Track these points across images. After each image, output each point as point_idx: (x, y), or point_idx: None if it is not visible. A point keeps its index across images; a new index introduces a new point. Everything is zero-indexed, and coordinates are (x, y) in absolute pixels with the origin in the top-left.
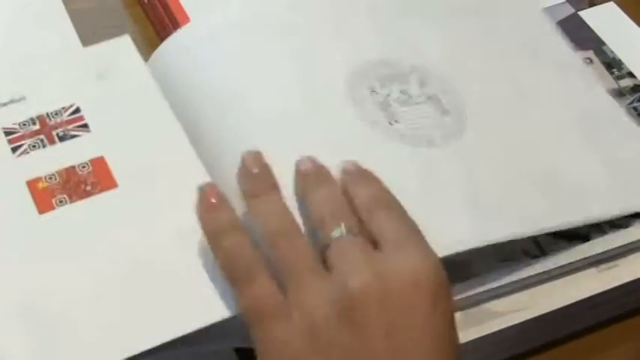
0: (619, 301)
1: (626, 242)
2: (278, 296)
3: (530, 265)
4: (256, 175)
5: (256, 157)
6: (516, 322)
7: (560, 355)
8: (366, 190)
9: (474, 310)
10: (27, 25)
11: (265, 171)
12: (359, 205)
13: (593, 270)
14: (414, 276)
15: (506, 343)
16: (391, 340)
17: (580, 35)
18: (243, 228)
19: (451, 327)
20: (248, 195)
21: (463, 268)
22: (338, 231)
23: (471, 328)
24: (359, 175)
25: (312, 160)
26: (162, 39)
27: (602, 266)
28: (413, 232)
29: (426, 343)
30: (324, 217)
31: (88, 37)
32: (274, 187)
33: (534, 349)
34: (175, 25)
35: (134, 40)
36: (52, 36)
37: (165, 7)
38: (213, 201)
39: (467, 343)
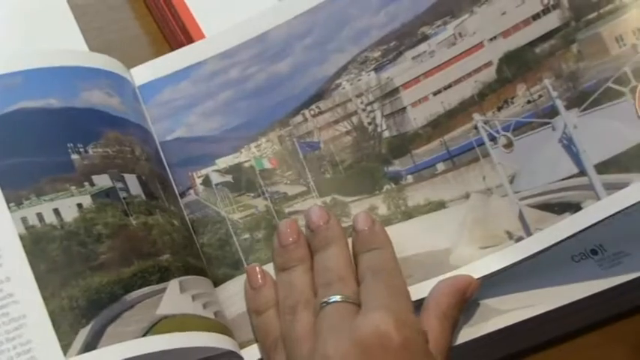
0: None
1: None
2: None
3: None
4: (286, 248)
5: (291, 227)
6: (518, 320)
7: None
8: (367, 254)
9: (477, 308)
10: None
11: (297, 242)
12: (358, 271)
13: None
14: (379, 338)
15: (508, 341)
16: None
17: None
18: (277, 305)
19: None
20: (278, 268)
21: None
22: (331, 298)
23: (473, 326)
24: (367, 236)
25: (323, 213)
26: (164, 34)
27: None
28: (392, 294)
29: None
30: (324, 282)
31: (90, 33)
32: (302, 259)
33: (534, 346)
34: (178, 20)
35: (137, 35)
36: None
37: (168, 2)
38: (258, 281)
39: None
